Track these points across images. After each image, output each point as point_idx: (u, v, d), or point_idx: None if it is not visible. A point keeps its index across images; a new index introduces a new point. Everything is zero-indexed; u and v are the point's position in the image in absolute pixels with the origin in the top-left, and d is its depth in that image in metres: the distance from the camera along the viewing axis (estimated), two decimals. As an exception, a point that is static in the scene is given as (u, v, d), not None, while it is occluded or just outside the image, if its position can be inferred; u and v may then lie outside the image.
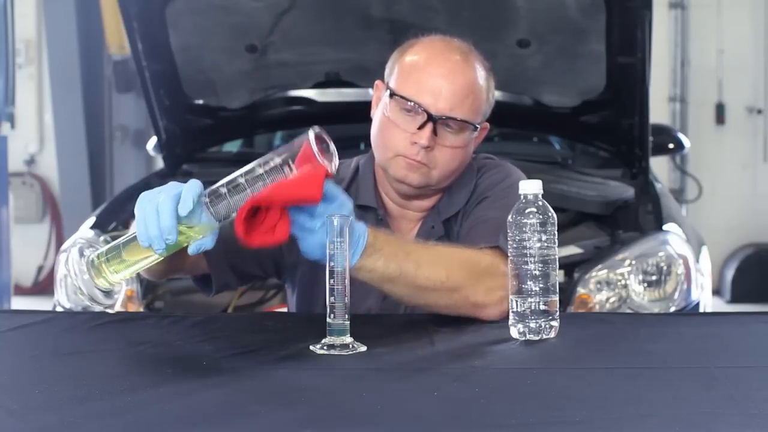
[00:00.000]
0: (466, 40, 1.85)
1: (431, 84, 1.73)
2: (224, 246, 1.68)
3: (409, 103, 1.73)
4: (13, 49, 4.58)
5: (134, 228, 1.38)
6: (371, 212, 1.83)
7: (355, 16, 2.97)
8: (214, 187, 1.39)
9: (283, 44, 3.06)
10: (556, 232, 1.48)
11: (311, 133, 1.40)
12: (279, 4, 2.92)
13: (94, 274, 1.38)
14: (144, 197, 1.39)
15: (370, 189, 1.85)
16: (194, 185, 1.37)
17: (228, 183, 1.39)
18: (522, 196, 1.49)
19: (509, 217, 1.49)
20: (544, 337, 1.47)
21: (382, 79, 1.84)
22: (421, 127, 1.72)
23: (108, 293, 1.44)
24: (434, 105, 1.72)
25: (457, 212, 1.83)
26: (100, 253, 1.40)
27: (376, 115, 1.82)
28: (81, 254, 1.43)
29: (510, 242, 1.49)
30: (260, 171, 1.39)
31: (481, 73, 1.79)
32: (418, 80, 1.75)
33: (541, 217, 1.47)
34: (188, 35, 3.06)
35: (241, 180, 1.39)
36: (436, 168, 1.76)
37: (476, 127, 1.77)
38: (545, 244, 1.46)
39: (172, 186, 1.38)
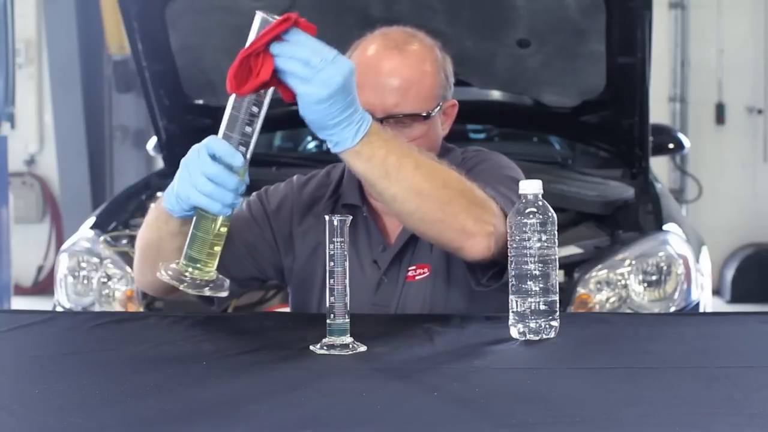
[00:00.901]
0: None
1: (372, 85, 1.73)
2: (224, 257, 1.71)
3: None
4: (13, 49, 4.58)
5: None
6: (357, 210, 1.84)
7: (355, 16, 2.97)
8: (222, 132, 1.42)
9: (283, 44, 3.06)
10: (556, 232, 1.48)
11: (259, 15, 1.41)
12: (279, 4, 2.92)
13: (194, 276, 1.41)
14: (186, 169, 1.43)
15: (355, 189, 1.85)
16: (217, 141, 1.41)
17: (229, 124, 1.42)
18: (522, 196, 1.49)
19: (509, 218, 1.49)
20: (544, 337, 1.47)
21: None
22: None
23: (214, 283, 1.45)
24: (380, 105, 1.72)
25: None
26: (183, 258, 1.43)
27: None
28: (164, 273, 1.43)
29: (510, 242, 1.48)
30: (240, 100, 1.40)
31: (424, 58, 1.77)
32: (361, 85, 1.75)
33: (541, 217, 1.47)
34: (188, 35, 3.06)
35: (235, 113, 1.40)
36: None
37: (428, 115, 1.76)
38: (545, 244, 1.46)
39: (203, 149, 1.41)
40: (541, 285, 1.46)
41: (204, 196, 1.40)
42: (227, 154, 1.40)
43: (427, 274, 1.80)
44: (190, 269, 1.42)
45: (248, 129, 1.41)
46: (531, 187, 1.49)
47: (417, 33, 1.83)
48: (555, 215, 1.49)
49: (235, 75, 1.37)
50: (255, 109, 1.40)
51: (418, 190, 1.51)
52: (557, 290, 1.49)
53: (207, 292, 1.42)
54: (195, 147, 1.44)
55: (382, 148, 1.47)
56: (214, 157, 1.40)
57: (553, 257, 1.47)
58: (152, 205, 1.71)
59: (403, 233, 1.82)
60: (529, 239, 1.46)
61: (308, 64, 1.36)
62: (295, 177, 1.93)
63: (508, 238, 1.49)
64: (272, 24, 1.39)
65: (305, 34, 1.38)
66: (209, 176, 1.40)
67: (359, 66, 1.74)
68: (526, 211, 1.47)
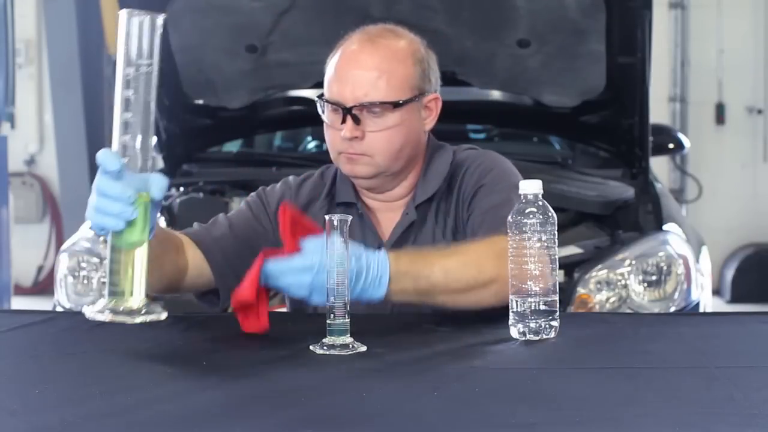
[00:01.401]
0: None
1: (342, 77, 1.76)
2: (229, 259, 1.72)
3: (328, 104, 1.77)
4: (13, 49, 4.58)
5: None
6: (352, 208, 1.86)
7: (355, 16, 2.97)
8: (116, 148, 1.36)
9: (283, 44, 3.06)
10: (556, 232, 1.48)
11: (124, 14, 1.36)
12: (279, 4, 2.92)
13: (116, 307, 1.38)
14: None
15: (349, 187, 1.87)
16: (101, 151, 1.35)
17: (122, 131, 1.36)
18: (522, 196, 1.49)
19: (509, 217, 1.49)
20: (544, 337, 1.47)
21: None
22: (343, 122, 1.75)
23: (146, 309, 1.42)
24: (350, 95, 1.74)
25: (432, 197, 1.84)
26: (107, 290, 1.40)
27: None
28: (87, 310, 1.42)
29: (510, 242, 1.49)
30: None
31: (397, 49, 1.79)
32: (334, 78, 1.78)
33: (541, 217, 1.47)
34: (188, 35, 3.06)
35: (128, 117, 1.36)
36: (376, 154, 1.77)
37: (400, 103, 1.76)
38: (545, 244, 1.46)
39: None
40: (540, 285, 1.46)
41: (93, 210, 1.35)
42: (104, 159, 1.33)
43: None
44: (113, 301, 1.38)
45: (125, 137, 1.36)
46: (531, 187, 1.49)
47: (399, 30, 1.84)
48: (555, 215, 1.49)
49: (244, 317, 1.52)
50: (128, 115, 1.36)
51: (459, 290, 1.60)
52: (557, 290, 1.49)
53: (138, 320, 1.39)
54: None
55: (409, 280, 1.56)
56: (99, 168, 1.35)
57: (553, 257, 1.47)
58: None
59: (397, 228, 1.84)
60: (529, 239, 1.46)
61: (301, 286, 1.46)
62: (290, 178, 1.94)
63: (509, 237, 1.49)
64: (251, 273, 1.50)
65: (279, 261, 1.48)
66: (95, 187, 1.35)
67: (337, 61, 1.79)
68: (526, 211, 1.47)
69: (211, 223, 1.82)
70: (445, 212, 1.84)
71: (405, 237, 1.83)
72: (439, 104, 1.85)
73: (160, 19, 1.39)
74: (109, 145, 1.37)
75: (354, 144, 1.75)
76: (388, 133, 1.76)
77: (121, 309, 1.39)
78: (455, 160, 1.87)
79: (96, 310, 1.39)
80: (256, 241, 1.81)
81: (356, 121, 1.74)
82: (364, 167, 1.78)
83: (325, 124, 1.82)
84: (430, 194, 1.84)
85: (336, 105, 1.76)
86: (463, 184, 1.83)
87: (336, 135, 1.77)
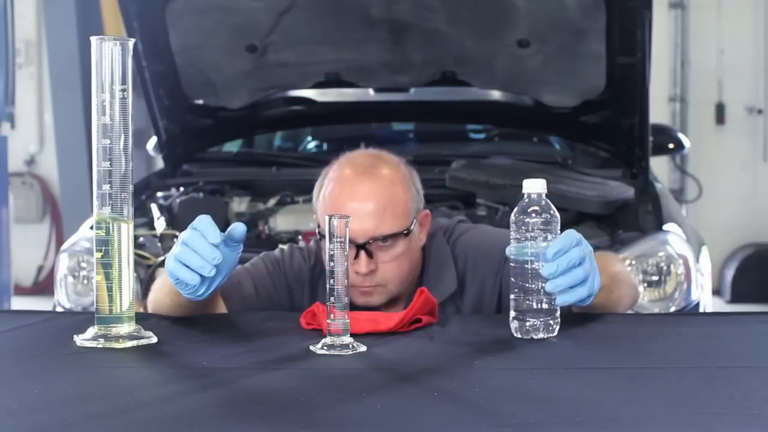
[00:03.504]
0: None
1: (349, 213, 1.72)
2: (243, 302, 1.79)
3: None
4: (13, 49, 4.58)
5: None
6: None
7: (355, 16, 2.97)
8: None
9: (283, 44, 3.06)
10: (559, 231, 1.48)
11: (94, 40, 1.44)
12: (279, 4, 2.92)
13: (109, 331, 1.47)
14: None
15: None
16: (202, 217, 1.49)
17: None
18: (525, 195, 1.49)
19: (512, 216, 1.49)
20: (544, 336, 1.47)
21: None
22: (356, 258, 1.77)
23: (137, 333, 1.51)
24: (360, 231, 1.76)
25: (453, 293, 1.87)
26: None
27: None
28: (78, 339, 1.50)
29: (512, 240, 1.49)
30: None
31: (394, 179, 1.83)
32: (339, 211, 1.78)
33: (544, 215, 1.47)
34: (188, 35, 3.06)
35: None
36: (389, 283, 1.82)
37: (408, 231, 1.81)
38: (549, 243, 1.46)
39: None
40: (542, 284, 1.46)
41: (179, 263, 1.47)
42: (205, 225, 1.47)
43: None
44: (103, 328, 1.46)
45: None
46: (535, 186, 1.49)
47: (381, 154, 1.88)
48: (558, 214, 1.49)
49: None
50: None
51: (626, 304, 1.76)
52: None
53: (128, 344, 1.44)
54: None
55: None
56: (194, 229, 1.47)
57: None
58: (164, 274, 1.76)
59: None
60: (533, 238, 1.46)
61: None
62: (305, 247, 1.97)
63: (511, 236, 1.49)
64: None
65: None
66: (184, 240, 1.47)
67: (336, 195, 1.80)
68: (530, 209, 1.47)
69: (238, 282, 1.85)
70: (477, 292, 1.88)
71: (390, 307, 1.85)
72: (429, 218, 1.90)
73: (130, 44, 1.42)
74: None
75: (368, 278, 1.79)
76: (398, 262, 1.82)
77: (111, 335, 1.43)
78: (454, 253, 1.90)
79: (87, 338, 1.44)
80: (269, 304, 1.87)
81: (369, 254, 1.77)
82: (378, 297, 1.82)
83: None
84: (446, 295, 1.87)
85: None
86: (476, 270, 1.88)
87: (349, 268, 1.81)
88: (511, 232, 1.49)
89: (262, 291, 1.87)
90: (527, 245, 1.46)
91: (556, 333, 1.48)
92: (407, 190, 1.84)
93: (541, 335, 1.47)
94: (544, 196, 1.49)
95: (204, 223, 1.47)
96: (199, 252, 1.45)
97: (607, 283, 1.59)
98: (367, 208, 1.78)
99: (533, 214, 1.47)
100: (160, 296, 1.72)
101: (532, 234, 1.46)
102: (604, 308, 1.65)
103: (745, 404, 1.14)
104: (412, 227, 1.82)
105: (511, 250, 1.49)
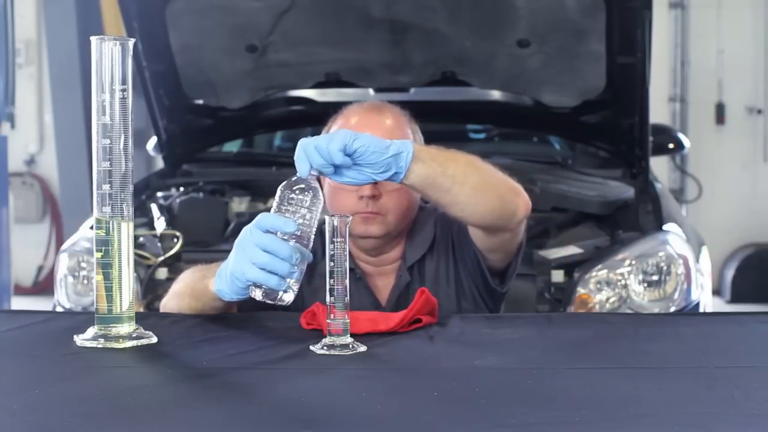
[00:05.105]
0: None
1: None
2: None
3: None
4: (13, 49, 4.58)
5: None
6: (351, 272, 1.87)
7: (355, 16, 2.97)
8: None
9: (283, 44, 3.06)
10: (318, 216, 1.46)
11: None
12: (279, 4, 2.92)
13: (110, 331, 1.46)
14: (239, 248, 1.46)
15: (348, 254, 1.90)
16: (266, 215, 1.45)
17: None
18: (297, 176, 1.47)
19: (278, 190, 1.46)
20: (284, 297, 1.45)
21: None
22: None
23: (137, 333, 1.49)
24: None
25: (423, 256, 1.93)
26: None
27: (324, 187, 1.87)
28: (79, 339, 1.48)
29: (274, 209, 1.47)
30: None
31: (400, 121, 1.90)
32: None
33: (311, 196, 1.45)
34: (188, 35, 3.06)
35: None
36: (389, 213, 1.87)
37: None
38: (307, 223, 1.45)
39: (254, 225, 1.45)
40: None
41: (259, 270, 1.42)
42: (278, 223, 1.42)
43: None
44: (104, 328, 1.46)
45: (303, 212, 1.44)
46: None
47: (386, 104, 1.96)
48: (322, 201, 1.47)
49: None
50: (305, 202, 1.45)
51: (478, 187, 1.61)
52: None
53: (128, 344, 1.44)
54: (246, 227, 1.47)
55: (435, 159, 1.55)
56: (266, 231, 1.43)
57: (307, 239, 1.45)
58: (189, 272, 1.76)
59: (394, 290, 1.92)
60: (293, 213, 1.44)
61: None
62: None
63: (273, 207, 1.46)
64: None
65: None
66: (262, 246, 1.41)
67: (349, 118, 1.87)
68: (295, 187, 1.46)
69: None
70: (439, 266, 1.93)
71: (403, 298, 1.89)
72: None
73: (130, 44, 1.42)
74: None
75: (371, 203, 1.84)
76: (400, 194, 1.86)
77: (111, 335, 1.44)
78: (438, 221, 1.96)
79: (87, 338, 1.43)
80: None
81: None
82: (377, 226, 1.87)
83: (329, 189, 1.87)
84: (417, 257, 1.93)
85: None
86: (449, 235, 1.94)
87: (348, 197, 1.85)
88: (275, 204, 1.46)
89: None
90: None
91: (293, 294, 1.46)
92: (414, 133, 1.91)
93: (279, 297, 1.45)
94: (312, 182, 1.47)
95: (272, 221, 1.43)
96: (280, 255, 1.41)
97: (443, 160, 1.56)
98: (381, 127, 1.83)
99: (298, 192, 1.45)
100: (189, 301, 1.70)
101: (294, 209, 1.44)
102: (442, 189, 1.58)
103: (745, 404, 1.14)
104: None
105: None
